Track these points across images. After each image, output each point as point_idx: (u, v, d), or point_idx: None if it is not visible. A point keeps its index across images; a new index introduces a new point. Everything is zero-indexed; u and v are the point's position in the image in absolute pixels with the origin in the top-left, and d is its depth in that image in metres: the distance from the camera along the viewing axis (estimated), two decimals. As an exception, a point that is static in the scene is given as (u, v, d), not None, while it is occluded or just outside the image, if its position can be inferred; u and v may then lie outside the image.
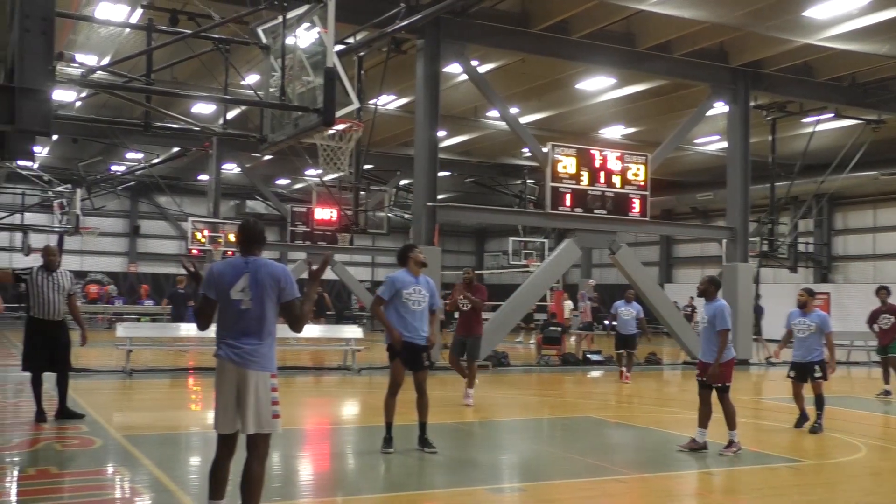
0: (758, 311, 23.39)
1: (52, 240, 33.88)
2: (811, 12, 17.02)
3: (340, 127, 12.69)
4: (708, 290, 9.02)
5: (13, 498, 6.60)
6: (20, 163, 28.61)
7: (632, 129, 28.72)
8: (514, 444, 9.81)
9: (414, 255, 8.64)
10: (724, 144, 24.53)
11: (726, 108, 22.22)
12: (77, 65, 10.65)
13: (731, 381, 8.95)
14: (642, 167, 20.22)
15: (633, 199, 20.02)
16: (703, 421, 8.92)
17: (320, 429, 10.86)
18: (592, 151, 19.99)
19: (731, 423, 8.83)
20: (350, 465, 8.44)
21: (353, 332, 18.14)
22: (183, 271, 32.24)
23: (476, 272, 14.10)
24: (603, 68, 21.09)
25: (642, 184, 20.16)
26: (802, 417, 10.55)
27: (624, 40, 19.90)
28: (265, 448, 5.25)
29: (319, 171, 22.95)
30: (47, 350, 9.78)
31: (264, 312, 5.25)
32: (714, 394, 8.88)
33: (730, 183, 22.36)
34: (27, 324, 9.85)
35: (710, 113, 22.66)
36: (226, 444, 5.30)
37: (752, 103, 22.49)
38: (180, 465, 8.10)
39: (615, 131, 28.91)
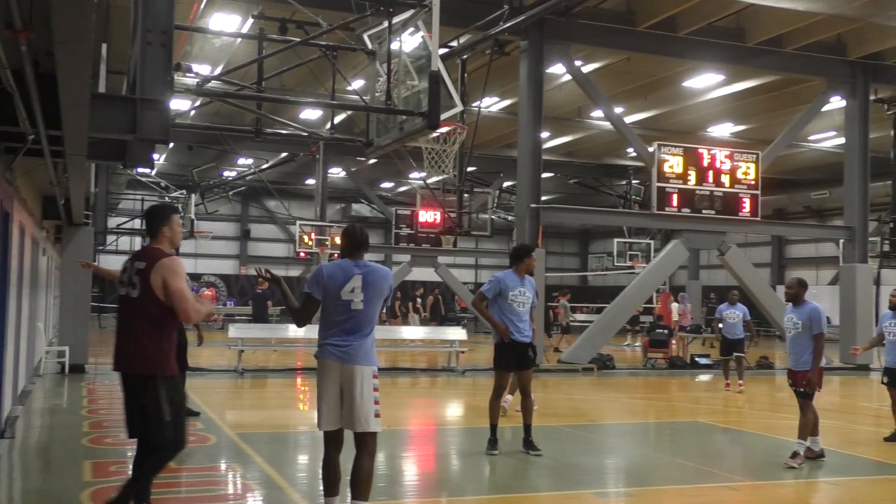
0: None
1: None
2: (937, 0, 16.15)
3: (444, 130, 12.79)
4: (799, 293, 8.48)
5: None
6: (139, 170, 29.96)
7: (741, 127, 27.91)
8: (620, 448, 9.65)
9: (529, 261, 8.66)
10: (841, 140, 23.59)
11: (843, 103, 21.34)
12: (192, 75, 11.04)
13: (822, 387, 8.48)
14: (753, 165, 19.66)
15: (744, 199, 19.49)
16: (812, 429, 8.54)
17: (425, 430, 10.95)
18: (700, 150, 19.57)
19: (803, 432, 8.30)
20: (454, 466, 8.48)
21: (456, 333, 18.22)
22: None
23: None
24: (711, 65, 20.58)
25: (753, 182, 19.60)
26: None
27: (733, 36, 19.37)
28: (373, 445, 5.45)
29: (423, 174, 23.16)
30: None
31: (373, 313, 5.51)
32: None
33: (847, 180, 21.45)
34: None
35: (825, 108, 21.81)
36: (333, 440, 5.48)
37: (871, 97, 21.52)
38: (290, 463, 8.30)
39: (724, 129, 28.16)
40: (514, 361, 8.48)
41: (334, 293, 5.43)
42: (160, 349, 5.07)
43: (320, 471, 5.59)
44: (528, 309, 8.52)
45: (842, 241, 21.65)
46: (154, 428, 5.01)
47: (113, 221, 36.55)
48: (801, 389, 8.41)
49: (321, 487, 5.67)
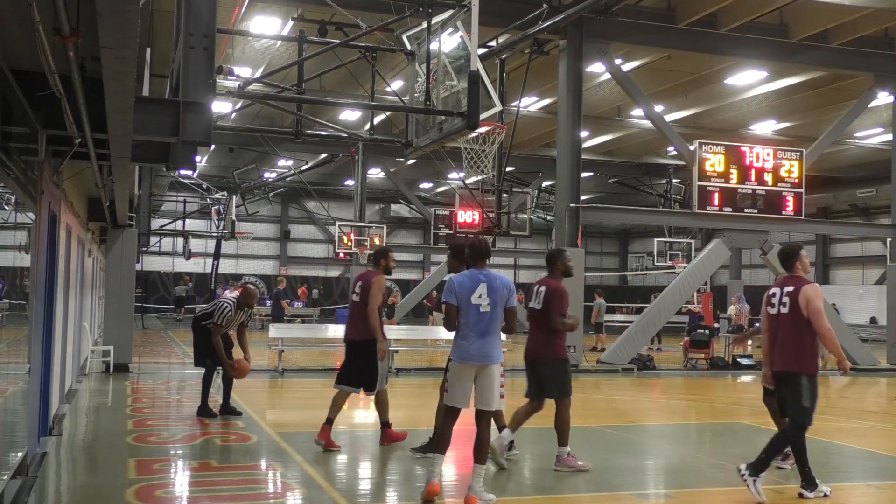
0: None
1: (210, 244, 35.76)
2: None
3: (483, 130, 12.75)
4: None
5: (177, 488, 7.00)
6: (181, 172, 30.39)
7: (785, 124, 27.52)
8: (660, 450, 9.57)
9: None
10: (888, 137, 23.16)
11: (891, 99, 20.94)
12: (234, 77, 11.16)
13: None
14: (796, 163, 19.38)
15: (787, 197, 19.23)
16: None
17: (462, 430, 10.91)
18: (742, 148, 19.36)
19: None
20: (493, 465, 8.44)
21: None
22: (281, 274, 33.71)
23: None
24: (754, 62, 20.33)
25: (796, 181, 19.33)
26: None
27: (777, 31, 19.11)
28: (489, 418, 6.64)
29: (462, 174, 23.16)
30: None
31: (497, 315, 6.48)
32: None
33: (895, 177, 21.04)
34: (198, 325, 10.52)
35: (872, 104, 21.41)
36: (453, 414, 6.57)
37: (920, 93, 21.09)
38: (329, 462, 8.33)
39: (766, 127, 27.79)
40: None
41: (466, 298, 6.40)
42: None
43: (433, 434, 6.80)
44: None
45: (889, 239, 21.22)
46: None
47: (156, 223, 37.11)
48: None
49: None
